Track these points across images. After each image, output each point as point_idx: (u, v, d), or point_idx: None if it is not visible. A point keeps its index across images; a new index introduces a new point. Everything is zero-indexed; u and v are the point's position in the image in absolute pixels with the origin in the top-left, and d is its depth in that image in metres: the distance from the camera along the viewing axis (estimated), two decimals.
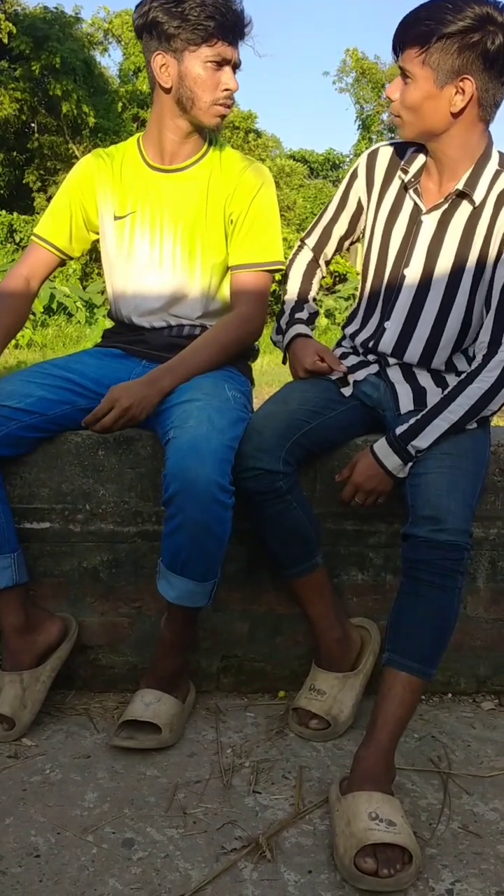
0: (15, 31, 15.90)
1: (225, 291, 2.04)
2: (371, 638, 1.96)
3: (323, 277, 2.16)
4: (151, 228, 1.99)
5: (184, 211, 1.98)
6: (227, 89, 1.88)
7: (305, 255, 2.11)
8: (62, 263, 2.12)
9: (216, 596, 1.79)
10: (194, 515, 1.63)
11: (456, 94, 1.67)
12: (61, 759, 1.75)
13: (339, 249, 2.10)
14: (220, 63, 1.86)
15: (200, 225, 1.98)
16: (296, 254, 2.13)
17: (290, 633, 2.02)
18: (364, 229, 2.01)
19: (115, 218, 2.01)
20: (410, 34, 1.67)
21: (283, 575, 1.88)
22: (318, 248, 2.09)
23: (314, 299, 2.10)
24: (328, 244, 2.08)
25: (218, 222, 1.99)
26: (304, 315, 2.05)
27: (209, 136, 2.02)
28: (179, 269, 2.00)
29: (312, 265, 2.10)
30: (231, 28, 1.84)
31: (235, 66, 1.90)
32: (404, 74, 1.70)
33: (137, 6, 1.88)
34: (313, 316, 2.08)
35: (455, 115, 1.70)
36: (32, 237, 2.09)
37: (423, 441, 1.71)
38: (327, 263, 2.13)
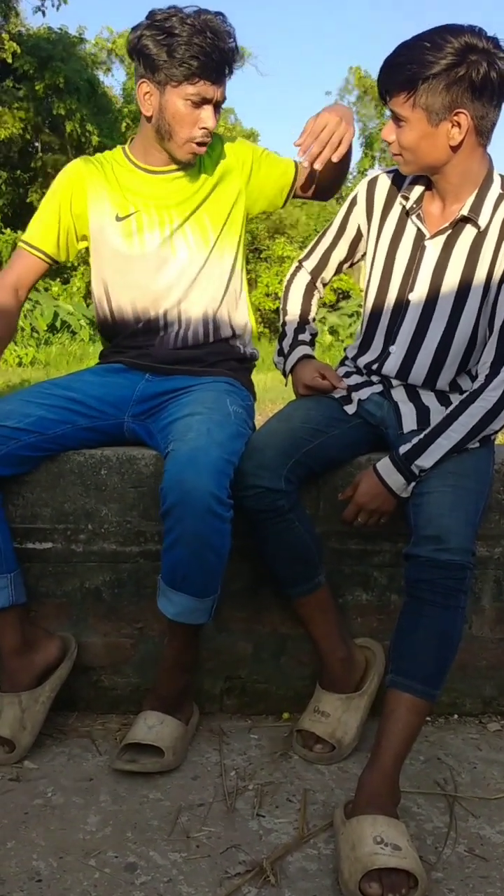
0: (19, 51, 16.05)
1: (240, 270, 2.08)
2: (376, 658, 1.95)
3: (321, 298, 2.17)
4: (161, 223, 2.00)
5: (188, 200, 2.01)
6: (203, 127, 1.89)
7: (303, 277, 2.11)
8: (50, 268, 2.12)
9: (219, 615, 1.78)
10: (191, 527, 1.63)
11: (452, 127, 1.67)
12: (63, 781, 1.74)
13: (337, 272, 2.11)
14: (200, 102, 1.87)
15: (204, 200, 2.02)
16: (294, 275, 2.13)
17: (295, 653, 2.01)
18: (365, 255, 2.02)
19: (118, 219, 2.01)
20: (395, 80, 1.67)
21: (285, 594, 1.87)
22: (316, 272, 2.09)
23: (314, 320, 2.11)
24: (326, 269, 2.08)
25: (224, 195, 2.03)
26: (306, 337, 2.05)
27: None
28: (195, 251, 2.01)
29: (311, 287, 2.11)
30: (216, 68, 1.84)
31: (217, 105, 1.91)
32: (396, 118, 1.71)
33: (134, 27, 1.89)
34: (314, 337, 2.09)
35: (455, 148, 1.71)
36: (20, 243, 2.08)
37: (426, 460, 1.70)
38: (324, 285, 2.14)
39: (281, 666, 2.02)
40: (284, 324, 2.09)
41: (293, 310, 2.09)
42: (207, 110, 1.88)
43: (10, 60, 16.10)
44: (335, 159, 1.89)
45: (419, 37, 1.66)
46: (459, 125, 1.66)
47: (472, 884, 1.47)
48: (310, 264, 2.09)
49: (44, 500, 1.90)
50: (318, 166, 1.89)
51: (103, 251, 2.04)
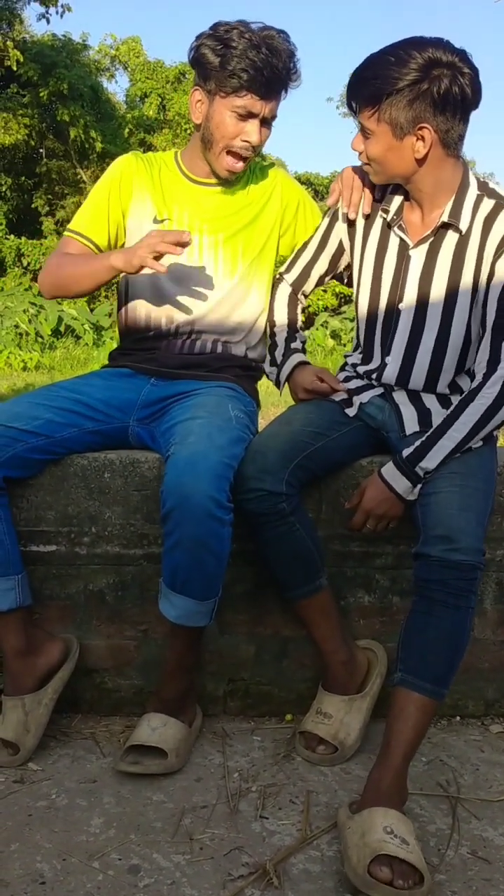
0: (23, 58, 16.10)
1: (263, 296, 2.09)
2: (378, 660, 1.95)
3: (304, 308, 2.18)
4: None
5: (225, 219, 2.03)
6: (246, 140, 1.91)
7: (285, 289, 2.12)
8: None
9: (221, 618, 1.79)
10: (191, 531, 1.63)
11: (417, 141, 1.69)
12: (67, 783, 1.74)
13: (318, 285, 2.12)
14: (246, 115, 1.88)
15: (242, 230, 2.03)
16: (275, 286, 2.13)
17: (297, 655, 2.01)
18: (351, 270, 2.03)
19: (155, 221, 2.03)
20: (361, 95, 1.70)
21: (287, 597, 1.87)
22: (298, 285, 2.10)
23: (300, 329, 2.11)
24: (307, 282, 2.10)
25: (264, 221, 2.05)
26: (298, 345, 2.05)
27: None
28: (222, 274, 2.02)
29: (293, 298, 2.12)
30: (266, 84, 1.86)
31: (265, 120, 1.92)
32: (364, 130, 1.73)
33: (197, 36, 1.91)
34: (304, 344, 2.09)
35: (420, 161, 1.72)
36: (67, 233, 2.07)
37: (430, 462, 1.71)
38: (305, 296, 2.15)
39: (283, 668, 2.02)
40: (273, 335, 2.09)
41: (280, 320, 2.09)
42: (253, 125, 1.90)
43: (14, 67, 16.14)
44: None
45: (384, 51, 1.68)
46: (423, 139, 1.68)
47: (475, 886, 1.47)
48: (291, 277, 2.10)
49: (48, 503, 1.91)
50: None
51: None
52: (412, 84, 1.63)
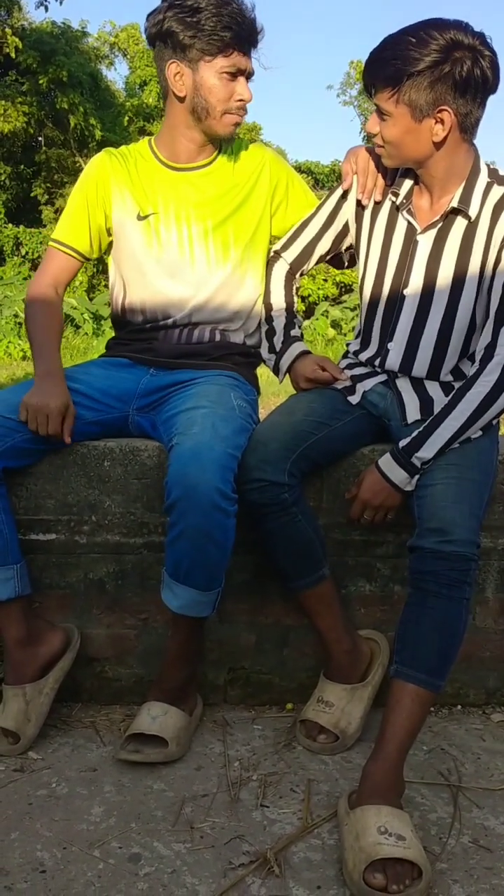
0: (21, 45, 16.02)
1: (259, 281, 2.06)
2: (380, 650, 1.95)
3: (299, 288, 2.14)
4: (178, 227, 1.99)
5: (211, 204, 1.99)
6: (241, 99, 1.89)
7: (282, 267, 2.07)
8: (83, 265, 2.12)
9: (223, 607, 1.78)
10: (196, 522, 1.62)
11: (436, 124, 1.67)
12: (67, 772, 1.74)
13: (316, 264, 2.09)
14: (235, 73, 1.87)
15: (232, 215, 2.00)
16: (271, 265, 2.08)
17: (298, 644, 2.01)
18: (352, 250, 2.01)
19: (139, 217, 2.00)
20: (380, 76, 1.66)
21: (289, 587, 1.87)
22: (297, 264, 2.06)
23: (297, 312, 2.08)
24: (308, 261, 2.05)
25: (254, 205, 2.02)
26: (297, 332, 2.03)
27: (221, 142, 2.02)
28: (214, 263, 2.00)
29: (290, 277, 2.07)
30: (246, 38, 1.85)
31: (249, 76, 1.91)
32: (380, 111, 1.70)
33: (150, 14, 1.88)
34: (301, 330, 2.06)
35: (438, 145, 1.70)
36: (51, 243, 2.06)
37: (426, 451, 1.69)
38: (302, 275, 2.12)
39: (284, 657, 2.01)
40: (271, 318, 2.05)
41: (277, 302, 2.05)
42: (242, 82, 1.89)
43: (13, 55, 16.07)
44: None
45: (404, 31, 1.65)
46: (443, 122, 1.66)
47: (476, 874, 1.47)
48: (290, 255, 2.05)
49: (47, 491, 1.90)
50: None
51: (123, 248, 2.03)
52: (433, 65, 1.60)
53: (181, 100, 1.91)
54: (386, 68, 1.65)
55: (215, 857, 1.49)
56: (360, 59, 23.14)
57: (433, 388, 1.86)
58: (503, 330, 1.71)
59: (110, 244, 2.08)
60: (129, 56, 20.94)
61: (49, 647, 1.86)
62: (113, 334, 2.19)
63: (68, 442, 1.82)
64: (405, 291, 1.84)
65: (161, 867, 1.46)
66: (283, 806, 1.64)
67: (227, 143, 2.02)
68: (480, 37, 1.63)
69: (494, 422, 1.78)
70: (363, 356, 1.96)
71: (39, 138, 18.33)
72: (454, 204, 1.75)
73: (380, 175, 1.90)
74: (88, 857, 1.48)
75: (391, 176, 1.88)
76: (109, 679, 2.01)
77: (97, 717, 1.96)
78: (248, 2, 1.86)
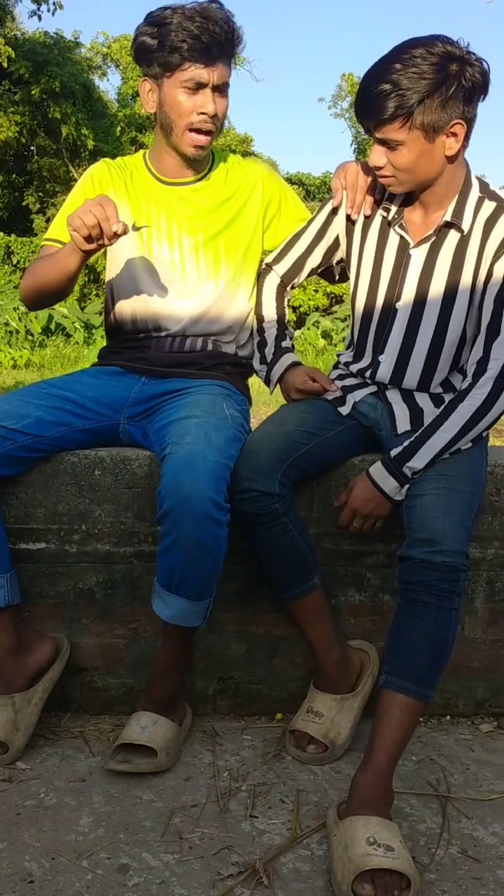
0: (14, 55, 16.06)
1: (250, 294, 2.06)
2: (370, 660, 1.95)
3: (290, 301, 2.15)
4: (169, 241, 2.00)
5: (203, 219, 2.00)
6: (202, 112, 1.86)
7: (274, 279, 2.07)
8: None
9: (212, 616, 1.78)
10: (189, 532, 1.62)
11: (448, 138, 1.67)
12: (56, 782, 1.73)
13: (308, 277, 2.10)
14: (195, 87, 1.84)
15: (223, 230, 2.01)
16: (263, 278, 2.09)
17: (288, 654, 2.01)
18: (343, 264, 2.02)
19: (134, 228, 2.01)
20: (385, 113, 1.62)
21: (280, 597, 1.87)
22: (288, 277, 2.06)
23: (288, 323, 2.09)
24: (299, 274, 2.06)
25: (246, 220, 2.02)
26: (288, 343, 2.03)
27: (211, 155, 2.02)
28: (205, 276, 2.01)
29: (281, 290, 2.08)
30: (206, 50, 1.81)
31: (218, 88, 1.87)
32: (387, 143, 1.68)
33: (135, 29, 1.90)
34: (293, 341, 2.07)
35: (451, 158, 1.71)
36: (45, 242, 2.05)
37: (418, 462, 1.70)
38: (293, 288, 2.13)
39: (274, 667, 2.01)
40: (262, 330, 2.05)
41: (269, 314, 2.06)
42: (205, 95, 1.85)
43: (5, 64, 16.11)
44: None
45: (387, 61, 1.62)
46: (456, 135, 1.66)
47: (464, 885, 1.47)
48: (281, 268, 2.06)
49: (38, 500, 1.90)
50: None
51: (117, 257, 2.04)
52: (438, 85, 1.59)
53: (154, 116, 1.93)
54: (387, 103, 1.61)
55: (204, 867, 1.49)
56: (352, 71, 23.31)
57: (423, 400, 1.87)
58: (495, 344, 1.72)
59: (105, 252, 2.08)
60: (121, 67, 21.00)
61: (38, 656, 1.86)
62: (104, 344, 2.19)
63: (120, 229, 1.71)
64: (397, 305, 1.85)
65: (150, 878, 1.46)
66: (273, 816, 1.64)
67: (219, 158, 2.03)
68: (461, 44, 1.64)
69: (484, 434, 1.79)
70: (354, 367, 1.97)
71: (32, 148, 18.36)
72: (447, 218, 1.77)
73: (369, 190, 1.91)
74: (77, 868, 1.47)
75: (380, 190, 1.89)
76: (99, 689, 2.00)
77: (86, 726, 1.96)
78: (224, 12, 1.84)
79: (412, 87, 1.59)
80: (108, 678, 2.00)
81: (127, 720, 1.81)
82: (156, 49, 1.82)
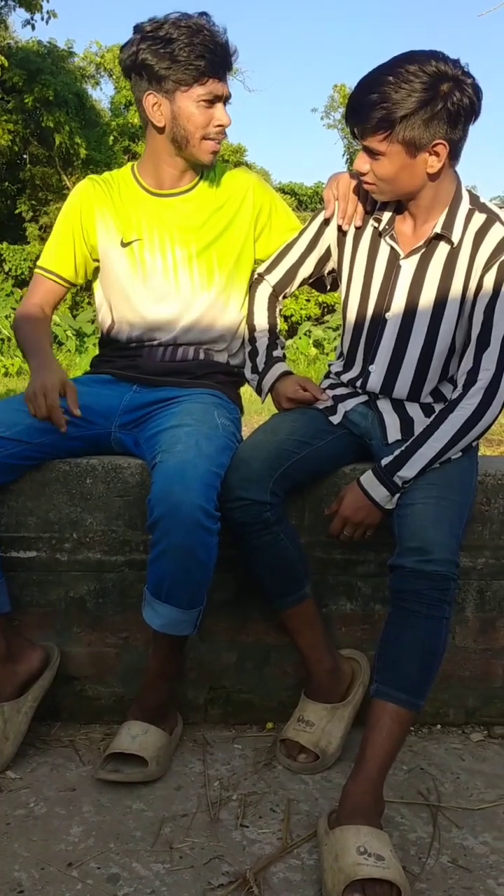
0: (7, 64, 16.08)
1: (242, 304, 2.08)
2: (361, 669, 1.95)
3: (282, 310, 2.16)
4: (162, 253, 2.00)
5: (196, 230, 2.01)
6: (219, 125, 1.91)
7: (265, 289, 2.08)
8: (69, 291, 2.14)
9: (202, 625, 1.78)
10: (179, 540, 1.62)
11: (430, 156, 1.68)
12: (46, 792, 1.73)
13: (300, 287, 2.11)
14: (213, 100, 1.88)
15: (215, 241, 2.01)
16: (255, 287, 2.09)
17: (279, 663, 2.01)
18: (334, 274, 2.03)
19: (123, 244, 2.01)
20: (368, 121, 1.64)
21: (271, 606, 1.87)
22: (280, 287, 2.07)
23: (280, 332, 2.10)
24: (291, 284, 2.07)
25: (237, 230, 2.03)
26: (280, 353, 2.04)
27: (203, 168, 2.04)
28: (199, 287, 2.01)
29: (273, 299, 2.09)
30: (220, 64, 1.86)
31: (226, 100, 1.92)
32: (371, 151, 1.70)
33: (124, 46, 1.90)
34: (284, 351, 2.08)
35: (432, 176, 1.72)
36: (37, 270, 2.10)
37: (408, 471, 1.71)
38: (285, 297, 2.13)
39: (265, 676, 2.01)
40: (254, 339, 2.06)
41: (261, 324, 2.06)
42: (220, 108, 1.90)
43: None
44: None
45: (381, 71, 1.64)
46: (438, 154, 1.67)
47: (455, 894, 1.47)
48: (273, 278, 2.07)
49: (28, 508, 1.90)
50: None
51: (109, 273, 2.05)
52: (424, 104, 1.60)
53: (160, 130, 1.93)
54: (373, 112, 1.63)
55: (194, 877, 1.48)
56: (344, 82, 23.37)
57: (413, 410, 1.88)
58: (485, 355, 1.73)
59: (97, 269, 2.09)
60: (114, 76, 21.03)
61: (28, 665, 1.85)
62: (97, 352, 2.20)
63: (76, 413, 1.83)
64: (387, 315, 1.86)
65: (140, 888, 1.45)
66: (263, 826, 1.64)
67: (208, 168, 2.05)
68: (458, 64, 1.64)
69: (474, 444, 1.80)
70: (345, 377, 1.98)
71: (24, 156, 18.36)
72: (437, 230, 1.78)
73: (360, 201, 1.92)
74: (66, 878, 1.47)
75: (372, 201, 1.90)
76: (89, 698, 2.00)
77: (76, 736, 1.95)
78: (220, 25, 1.88)
79: (399, 102, 1.61)
80: (98, 687, 1.99)
81: (117, 729, 1.81)
82: (168, 66, 1.83)
